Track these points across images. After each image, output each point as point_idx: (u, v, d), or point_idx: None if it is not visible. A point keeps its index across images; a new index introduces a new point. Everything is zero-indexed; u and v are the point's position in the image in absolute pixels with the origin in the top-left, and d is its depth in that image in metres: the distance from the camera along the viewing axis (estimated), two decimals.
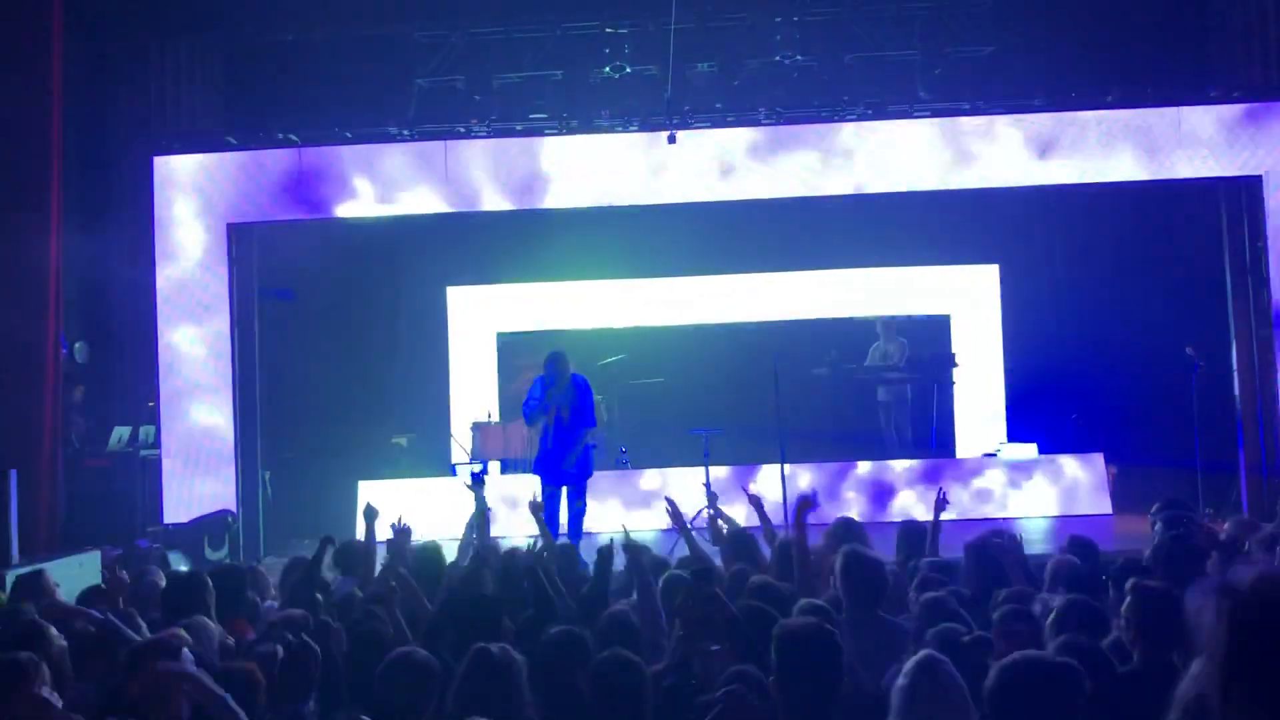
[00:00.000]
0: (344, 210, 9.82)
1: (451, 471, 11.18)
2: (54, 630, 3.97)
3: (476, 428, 11.00)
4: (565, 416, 8.42)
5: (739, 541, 5.81)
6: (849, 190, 9.80)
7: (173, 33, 10.21)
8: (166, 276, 9.58)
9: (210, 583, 4.90)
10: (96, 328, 10.14)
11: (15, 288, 8.41)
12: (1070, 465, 10.16)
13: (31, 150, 8.50)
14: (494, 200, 9.87)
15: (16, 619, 4.49)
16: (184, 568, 7.98)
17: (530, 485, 8.59)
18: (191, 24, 10.13)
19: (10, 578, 6.35)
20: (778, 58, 9.98)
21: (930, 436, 10.94)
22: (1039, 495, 10.07)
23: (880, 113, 9.74)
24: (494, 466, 10.82)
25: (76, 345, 9.79)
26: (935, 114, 9.72)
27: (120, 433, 9.60)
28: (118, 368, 10.20)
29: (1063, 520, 9.58)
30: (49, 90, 8.57)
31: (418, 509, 9.58)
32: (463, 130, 9.85)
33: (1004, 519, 9.42)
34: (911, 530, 5.81)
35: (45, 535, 8.31)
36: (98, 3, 9.62)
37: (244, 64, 10.49)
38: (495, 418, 11.23)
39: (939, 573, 5.06)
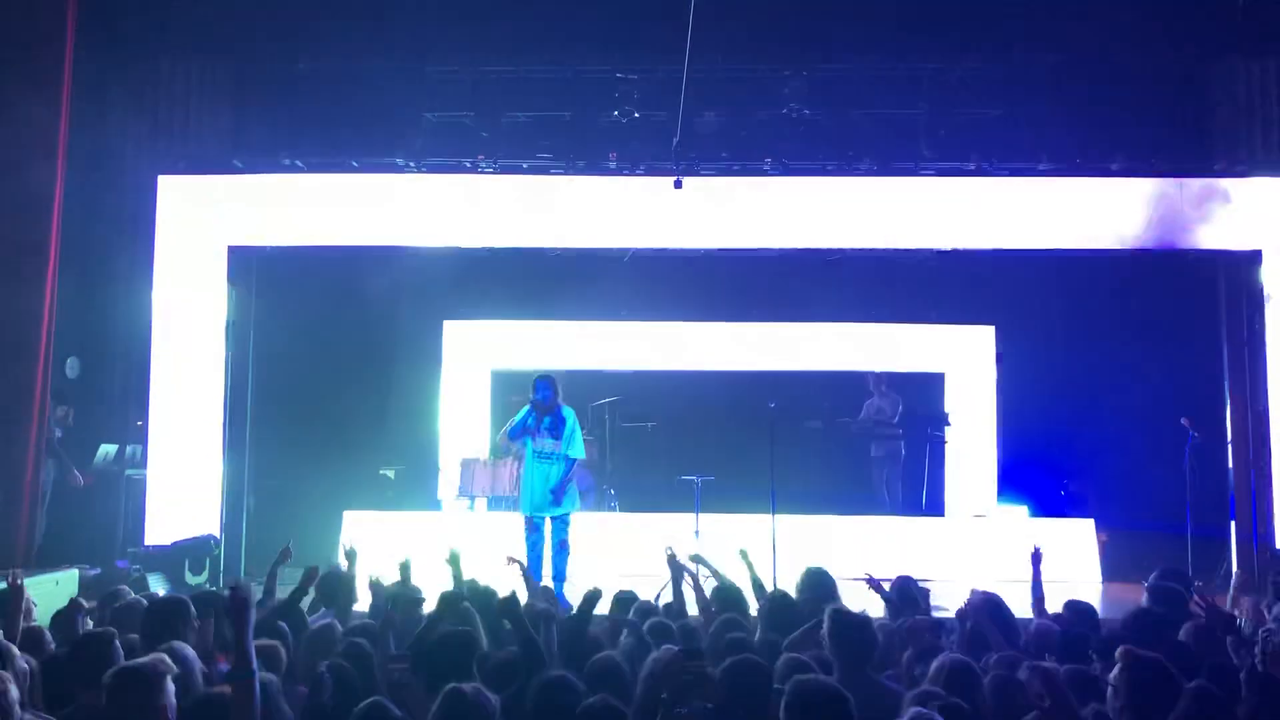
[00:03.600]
0: (345, 239, 9.82)
1: (437, 506, 11.12)
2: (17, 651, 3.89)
3: (465, 464, 10.94)
4: (543, 442, 8.28)
5: (725, 595, 5.74)
6: (850, 245, 9.84)
7: (184, 54, 10.25)
8: (163, 296, 9.53)
9: (192, 608, 4.81)
10: (90, 344, 10.06)
11: (8, 300, 8.36)
12: (1060, 530, 10.09)
13: (36, 164, 8.48)
14: (496, 237, 9.88)
15: None
16: (162, 591, 7.86)
17: (517, 523, 8.50)
18: (203, 46, 10.18)
19: None
20: (785, 110, 10.06)
21: (921, 495, 10.89)
22: (1027, 559, 9.97)
23: (885, 169, 9.80)
24: (480, 504, 10.76)
25: (69, 360, 9.73)
26: (939, 173, 9.79)
27: (106, 450, 9.51)
28: (109, 385, 10.11)
29: (1051, 586, 9.48)
30: (57, 106, 8.59)
31: (402, 542, 9.54)
32: (469, 165, 9.89)
33: (993, 582, 9.34)
34: (905, 587, 5.74)
35: (22, 552, 8.20)
36: (111, 21, 9.66)
37: (253, 89, 10.50)
38: (485, 454, 11.16)
39: (931, 631, 5.01)
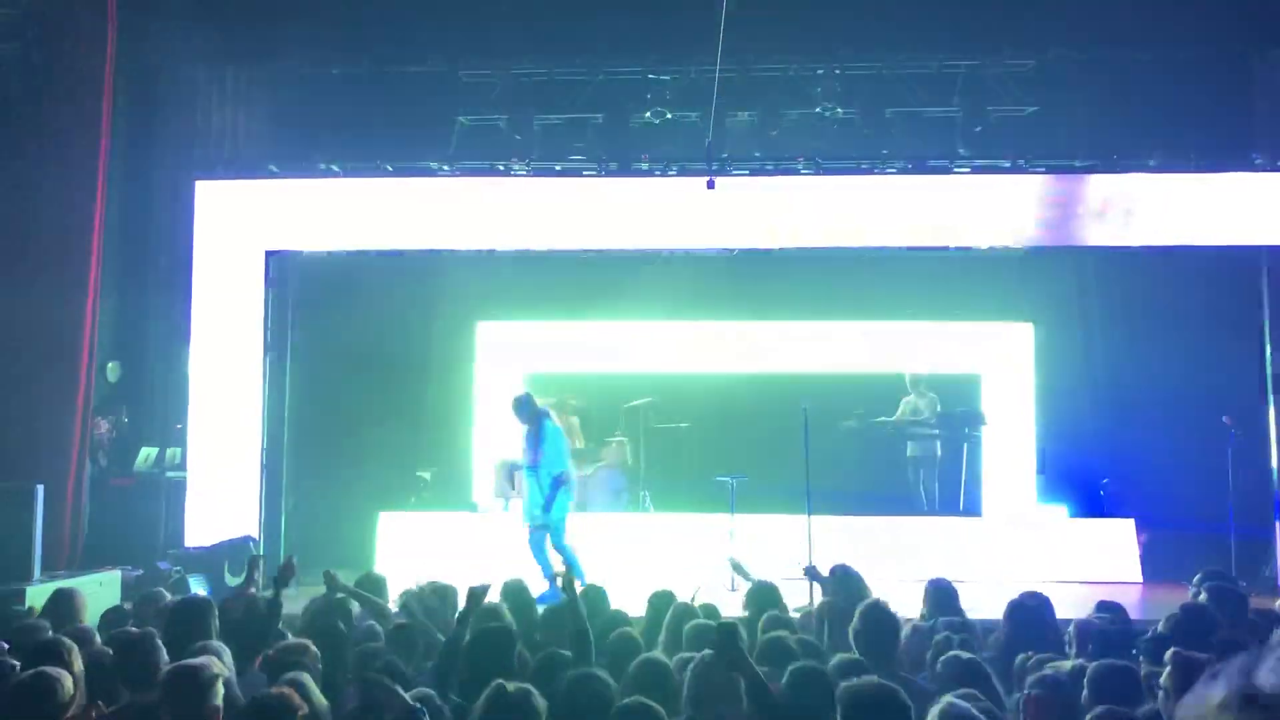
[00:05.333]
0: (380, 242, 9.89)
1: (472, 507, 11.16)
2: (75, 649, 3.95)
3: (500, 466, 10.97)
4: (526, 460, 8.44)
5: (763, 593, 5.72)
6: (885, 243, 9.79)
7: (220, 61, 10.36)
8: (202, 300, 9.64)
9: (215, 608, 4.86)
10: (130, 348, 10.20)
11: (52, 306, 8.48)
12: (1100, 530, 9.99)
13: (77, 171, 8.61)
14: (529, 238, 9.92)
15: (36, 635, 4.49)
16: (202, 591, 7.95)
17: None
18: (239, 54, 10.28)
19: (38, 594, 6.35)
20: (818, 109, 10.04)
21: (958, 495, 10.80)
22: (1067, 560, 9.90)
23: (919, 168, 9.75)
24: (516, 504, 10.79)
25: (110, 365, 9.86)
26: (975, 171, 9.72)
27: (148, 453, 9.62)
28: (149, 389, 10.24)
29: (1091, 586, 9.40)
30: (98, 114, 8.72)
31: (438, 542, 9.60)
32: (502, 168, 9.93)
33: (1032, 582, 9.26)
34: (939, 589, 5.70)
35: (67, 552, 8.32)
36: (149, 30, 9.79)
37: (289, 94, 10.61)
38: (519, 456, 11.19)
39: (959, 633, 4.98)
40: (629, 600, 5.90)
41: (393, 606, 5.75)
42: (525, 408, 8.50)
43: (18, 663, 4.00)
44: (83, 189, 8.60)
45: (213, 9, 9.73)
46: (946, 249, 9.87)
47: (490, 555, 8.61)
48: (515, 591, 5.68)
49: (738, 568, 6.25)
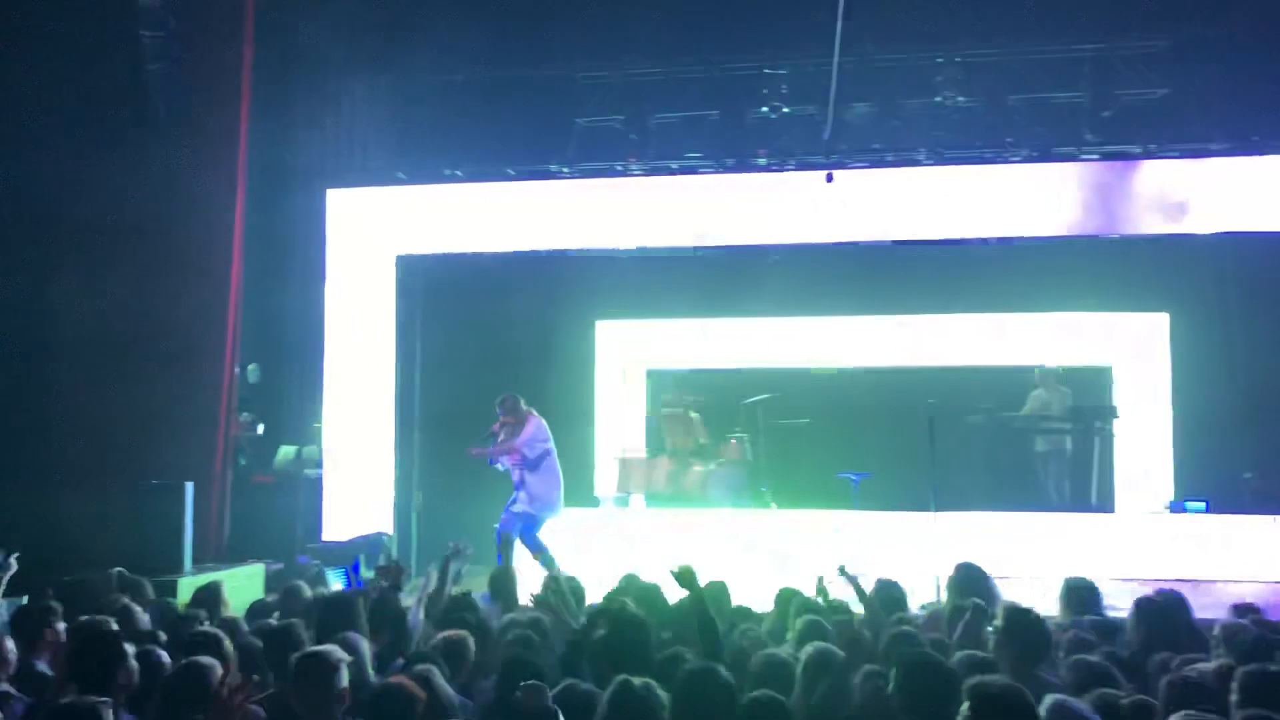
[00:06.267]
0: (502, 244, 10.12)
1: (594, 502, 11.31)
2: (228, 640, 4.17)
3: (621, 462, 11.10)
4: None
5: (887, 594, 5.67)
6: (1008, 233, 9.57)
7: (349, 72, 10.72)
8: (335, 304, 10.01)
9: (360, 602, 5.05)
10: (268, 350, 10.64)
11: (198, 311, 8.90)
12: (1242, 527, 9.57)
13: (218, 183, 9.01)
14: (647, 237, 10.01)
15: (191, 625, 4.75)
16: (339, 585, 8.26)
17: (666, 519, 8.61)
18: (367, 64, 10.62)
19: (189, 585, 6.70)
20: (938, 98, 9.86)
21: (1090, 491, 10.49)
22: (1207, 558, 9.52)
23: (1045, 155, 9.50)
24: (637, 500, 10.90)
25: (250, 367, 10.30)
26: (1103, 157, 9.43)
27: (286, 451, 10.03)
28: (286, 389, 10.67)
29: (1232, 585, 9.03)
30: (236, 127, 9.10)
31: (560, 536, 9.77)
32: (620, 168, 10.04)
33: (1168, 581, 8.95)
34: (1077, 587, 5.56)
35: (214, 547, 8.73)
36: (283, 45, 10.18)
37: (414, 103, 10.90)
38: (641, 452, 11.31)
39: (1098, 634, 4.86)
40: (751, 597, 5.92)
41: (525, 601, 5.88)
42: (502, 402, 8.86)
43: (165, 654, 4.22)
44: (225, 199, 8.99)
45: (342, 23, 10.06)
46: (1076, 238, 9.59)
47: (612, 549, 8.73)
48: (645, 589, 5.73)
49: (850, 578, 5.87)
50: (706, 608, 4.34)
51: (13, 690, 4.10)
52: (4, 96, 8.81)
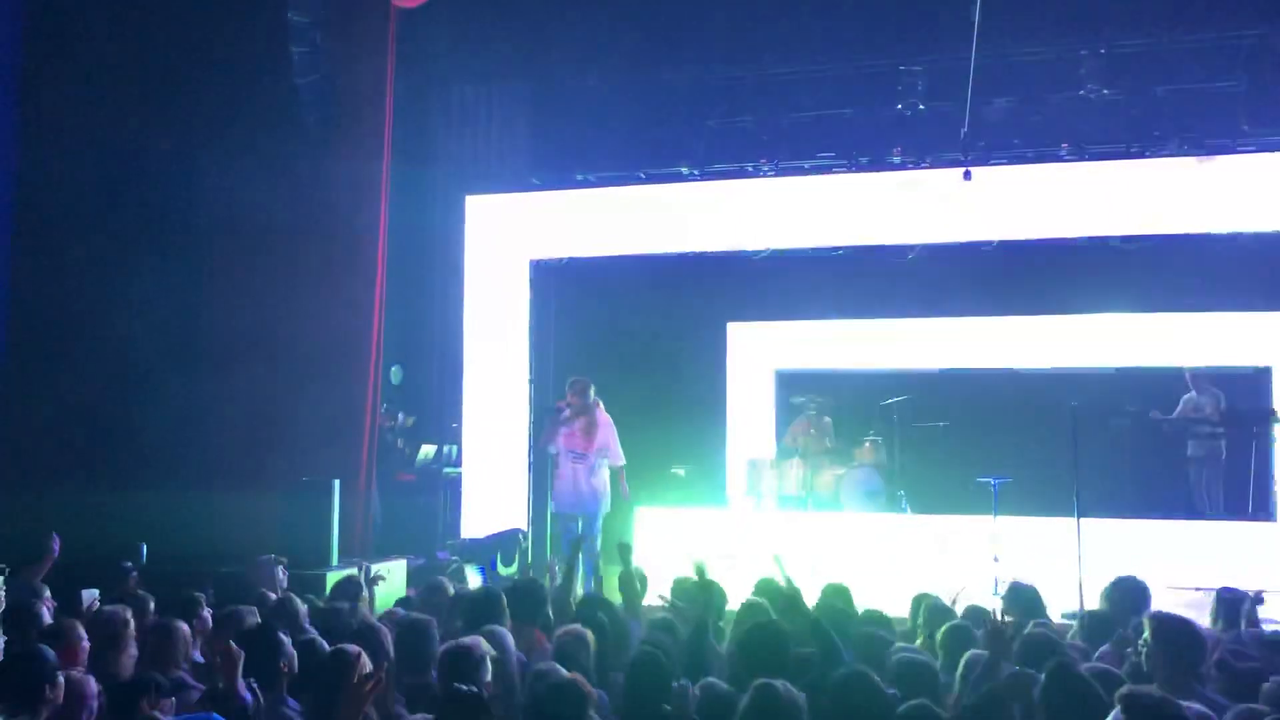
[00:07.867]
0: (634, 247, 10.22)
1: (725, 504, 11.33)
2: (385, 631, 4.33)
3: (752, 464, 11.08)
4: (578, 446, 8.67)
5: (1024, 598, 5.55)
6: (1158, 230, 9.21)
7: (485, 80, 10.98)
8: (473, 306, 10.27)
9: (504, 598, 5.17)
10: (411, 353, 10.98)
11: (345, 314, 9.24)
12: None
13: (363, 191, 9.34)
14: (779, 238, 9.97)
15: (344, 618, 4.95)
16: (477, 580, 8.48)
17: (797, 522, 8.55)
18: (503, 73, 10.86)
19: (336, 579, 6.97)
20: (1082, 91, 9.54)
21: (1247, 498, 10.00)
22: None
23: (1197, 148, 9.10)
24: (768, 503, 10.87)
25: (393, 369, 10.64)
26: (1261, 149, 8.98)
27: (427, 450, 10.33)
28: (427, 390, 11.00)
29: None
30: (380, 133, 9.42)
31: (692, 537, 9.80)
32: (751, 169, 10.03)
33: None
34: (1230, 599, 5.34)
35: (359, 543, 9.06)
36: (421, 56, 10.49)
37: (547, 109, 11.09)
38: (771, 455, 11.27)
39: (1260, 647, 4.66)
40: (887, 602, 5.85)
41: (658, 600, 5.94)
42: (573, 386, 8.82)
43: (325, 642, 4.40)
44: (370, 207, 9.30)
45: (477, 34, 10.32)
46: (1237, 235, 9.15)
47: (742, 551, 8.72)
48: (782, 593, 5.70)
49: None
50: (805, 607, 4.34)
51: (189, 678, 4.34)
52: (173, 114, 9.32)
